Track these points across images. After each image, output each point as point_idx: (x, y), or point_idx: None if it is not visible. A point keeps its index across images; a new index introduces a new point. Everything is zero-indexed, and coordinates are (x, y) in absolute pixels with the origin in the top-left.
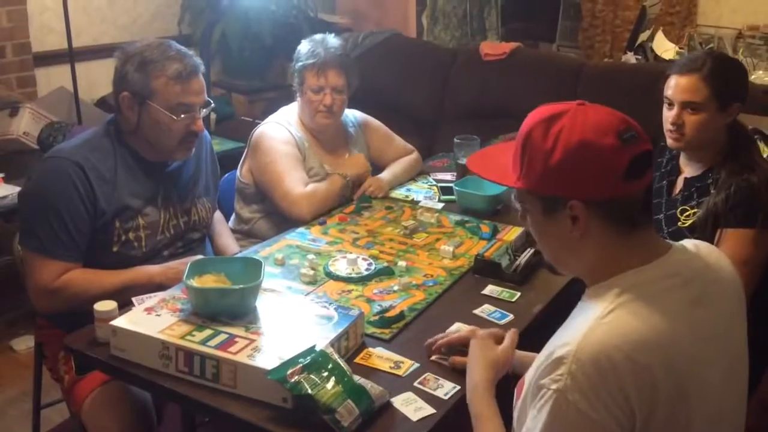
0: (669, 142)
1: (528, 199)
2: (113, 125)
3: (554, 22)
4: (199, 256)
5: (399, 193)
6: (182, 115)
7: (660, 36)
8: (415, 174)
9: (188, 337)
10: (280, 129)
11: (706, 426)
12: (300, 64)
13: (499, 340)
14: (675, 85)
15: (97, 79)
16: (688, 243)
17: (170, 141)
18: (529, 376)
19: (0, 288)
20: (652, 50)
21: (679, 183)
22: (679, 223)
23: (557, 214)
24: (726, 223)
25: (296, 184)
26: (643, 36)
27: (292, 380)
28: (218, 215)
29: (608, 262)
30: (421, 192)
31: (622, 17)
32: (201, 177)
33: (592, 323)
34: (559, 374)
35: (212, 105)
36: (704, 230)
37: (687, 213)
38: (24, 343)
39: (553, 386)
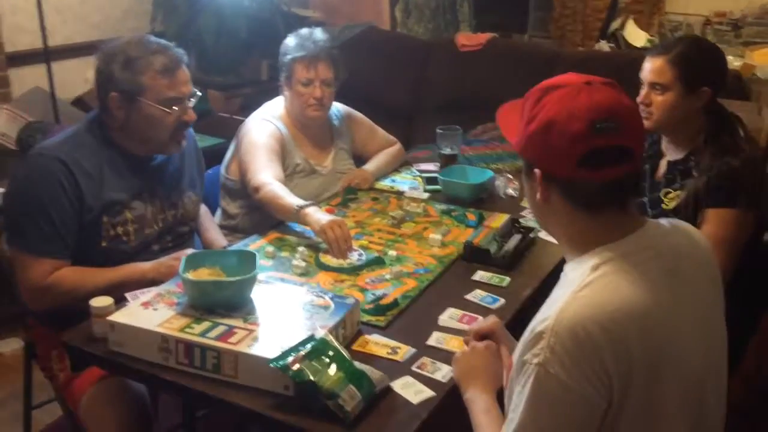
0: None
1: (521, 158)
2: (96, 122)
3: (525, 13)
4: (190, 250)
5: (383, 184)
6: (174, 107)
7: (631, 24)
8: (399, 165)
9: (187, 330)
10: (266, 124)
11: (684, 392)
12: (289, 57)
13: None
14: (645, 67)
15: (71, 78)
16: (664, 220)
17: (163, 134)
18: (515, 355)
19: None
20: (624, 38)
21: (662, 166)
22: (663, 205)
23: (530, 177)
24: (707, 203)
25: (263, 170)
26: (615, 24)
27: (294, 368)
28: (204, 209)
29: (579, 237)
30: (406, 183)
31: (592, 6)
32: (186, 171)
33: (568, 297)
34: (539, 348)
35: (199, 93)
36: (687, 212)
37: (670, 195)
38: (9, 346)
39: (535, 360)
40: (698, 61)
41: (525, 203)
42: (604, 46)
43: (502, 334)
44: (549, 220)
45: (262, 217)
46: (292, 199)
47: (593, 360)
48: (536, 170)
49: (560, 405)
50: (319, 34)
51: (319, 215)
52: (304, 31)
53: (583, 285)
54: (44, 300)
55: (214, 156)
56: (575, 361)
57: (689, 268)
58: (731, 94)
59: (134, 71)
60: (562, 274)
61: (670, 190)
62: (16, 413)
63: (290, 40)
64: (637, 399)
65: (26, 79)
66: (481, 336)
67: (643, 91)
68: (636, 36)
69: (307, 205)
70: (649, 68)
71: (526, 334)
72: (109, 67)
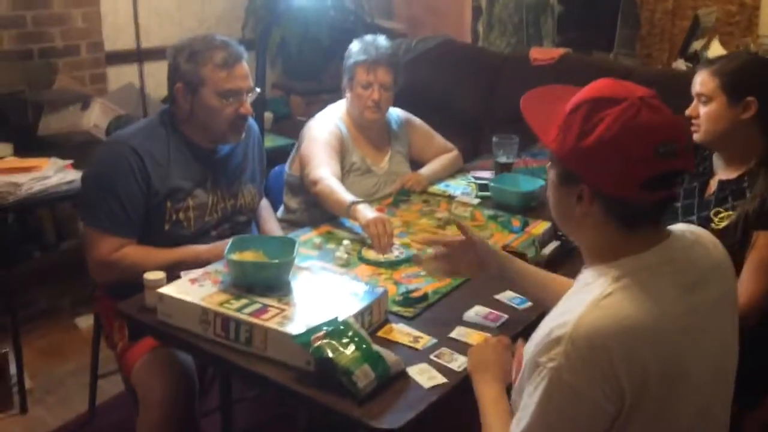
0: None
1: (553, 162)
2: (167, 115)
3: (611, 31)
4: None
5: (437, 188)
6: (230, 99)
7: (715, 44)
8: (455, 171)
9: (226, 305)
10: (327, 122)
11: (696, 407)
12: (351, 60)
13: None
14: (694, 81)
15: (163, 79)
16: (688, 232)
17: (222, 125)
18: (528, 351)
19: (68, 269)
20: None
21: (712, 185)
22: (713, 225)
23: (568, 188)
24: (757, 226)
25: (322, 166)
26: (698, 44)
27: (316, 344)
28: (265, 202)
29: (606, 248)
30: (459, 188)
31: (680, 26)
32: (248, 165)
33: (589, 305)
34: (555, 353)
35: (258, 90)
36: (736, 233)
37: (721, 215)
38: (86, 322)
39: (550, 364)
40: (741, 70)
41: None
42: (681, 64)
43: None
44: (579, 229)
45: (320, 213)
46: (346, 195)
47: (607, 371)
48: (584, 185)
49: (570, 411)
50: (382, 40)
51: (367, 212)
52: (369, 37)
53: (603, 295)
54: (109, 273)
55: (286, 155)
56: (590, 370)
57: (709, 284)
58: None
59: (196, 63)
60: (581, 279)
61: (721, 210)
62: (86, 383)
63: (354, 45)
64: (648, 412)
65: (122, 77)
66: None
67: (692, 105)
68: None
69: (358, 202)
70: (697, 81)
71: (542, 335)
72: (176, 60)
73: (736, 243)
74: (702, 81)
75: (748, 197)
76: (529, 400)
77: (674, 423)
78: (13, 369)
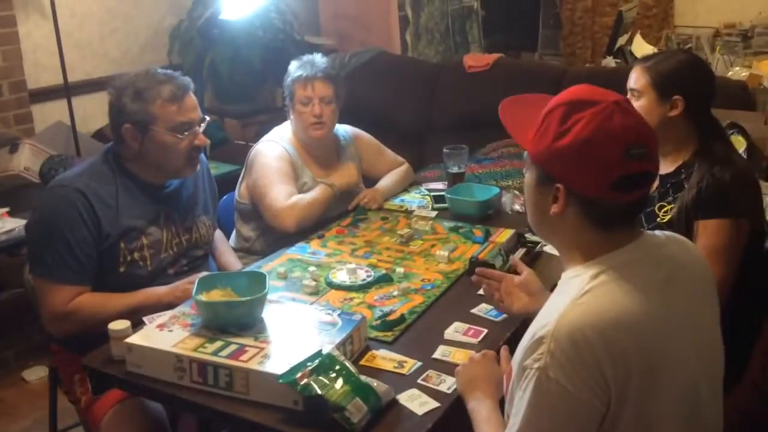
0: None
1: (530, 164)
2: (110, 153)
3: (535, 31)
4: (204, 273)
5: (393, 203)
6: (185, 133)
7: (638, 39)
8: (408, 185)
9: (200, 349)
10: (275, 146)
11: (680, 398)
12: (289, 79)
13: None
14: (630, 75)
15: (92, 113)
16: (658, 232)
17: (177, 160)
18: (515, 361)
19: (9, 320)
20: (632, 53)
21: (655, 180)
22: (658, 219)
23: (545, 189)
24: (698, 215)
25: (280, 196)
26: (622, 40)
27: (302, 382)
28: (219, 234)
29: (582, 248)
30: (415, 201)
31: (601, 23)
32: (200, 196)
33: (568, 304)
34: (539, 353)
35: (207, 119)
36: (680, 224)
37: (665, 209)
38: (35, 374)
39: (535, 365)
40: (672, 69)
41: None
42: (610, 62)
43: (535, 284)
44: (553, 231)
45: (276, 238)
46: (318, 192)
47: (591, 365)
48: (559, 185)
49: (560, 408)
50: (318, 57)
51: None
52: (306, 57)
53: (582, 293)
54: (65, 326)
55: (232, 182)
56: (574, 366)
57: (684, 277)
58: (738, 104)
59: (143, 101)
60: (560, 282)
61: (664, 204)
62: None
63: (292, 65)
64: (634, 404)
65: (48, 114)
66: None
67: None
68: (643, 51)
69: (330, 183)
70: (631, 76)
71: (526, 340)
72: (120, 101)
73: (681, 234)
74: (635, 77)
75: (686, 189)
76: (519, 404)
77: (658, 414)
78: None
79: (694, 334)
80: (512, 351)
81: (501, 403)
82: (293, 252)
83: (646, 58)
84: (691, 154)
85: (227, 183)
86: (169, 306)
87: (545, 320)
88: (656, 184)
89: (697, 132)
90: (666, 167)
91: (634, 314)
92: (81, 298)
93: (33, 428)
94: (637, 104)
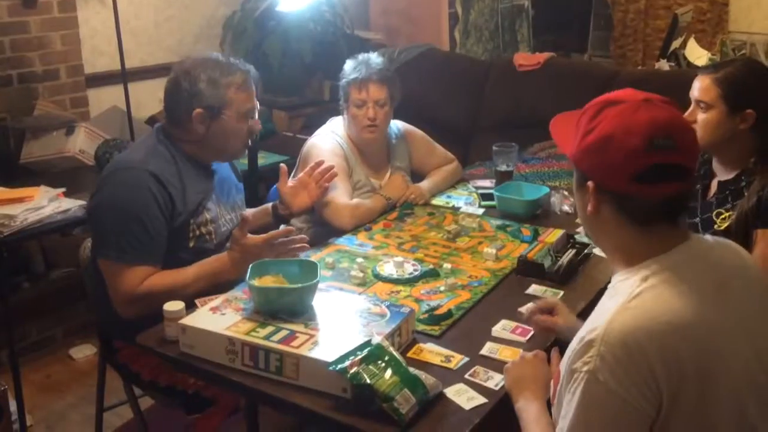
0: None
1: (574, 168)
2: (162, 134)
3: (585, 32)
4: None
5: (440, 200)
6: (250, 120)
7: (692, 43)
8: (455, 182)
9: (253, 334)
10: (331, 140)
11: (732, 404)
12: (344, 80)
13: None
14: (693, 86)
15: (145, 99)
16: (707, 235)
17: (238, 144)
18: (563, 364)
19: (59, 299)
20: (685, 57)
21: (713, 187)
22: (716, 226)
23: (583, 189)
24: (757, 224)
25: (341, 193)
26: (676, 43)
27: (352, 371)
28: None
29: (628, 251)
30: (461, 198)
31: (653, 26)
32: (232, 179)
33: (619, 308)
34: (589, 356)
35: (259, 106)
36: (738, 233)
37: (723, 216)
38: (82, 352)
39: (585, 368)
40: (744, 82)
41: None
42: (664, 65)
43: (563, 310)
44: (599, 232)
45: (326, 232)
46: (378, 201)
47: (643, 368)
48: (590, 183)
49: (609, 412)
50: (374, 57)
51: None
52: (361, 56)
53: (632, 296)
54: (137, 307)
55: (278, 173)
56: (625, 370)
57: (737, 282)
58: None
59: (220, 87)
60: (610, 286)
61: (722, 210)
62: (89, 415)
63: (347, 65)
64: (687, 408)
65: (103, 99)
66: (544, 311)
67: (690, 109)
68: (697, 55)
69: (387, 197)
70: (697, 86)
71: (575, 344)
72: (194, 86)
73: (739, 243)
74: (703, 87)
75: (746, 197)
76: (568, 407)
77: (712, 419)
78: (13, 406)
79: (751, 340)
80: (562, 352)
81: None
82: (341, 243)
83: (713, 68)
84: (753, 162)
85: (273, 173)
86: (229, 272)
87: (595, 324)
88: (714, 190)
89: (760, 141)
90: (726, 174)
91: (686, 318)
92: (152, 278)
93: (79, 405)
94: (704, 116)
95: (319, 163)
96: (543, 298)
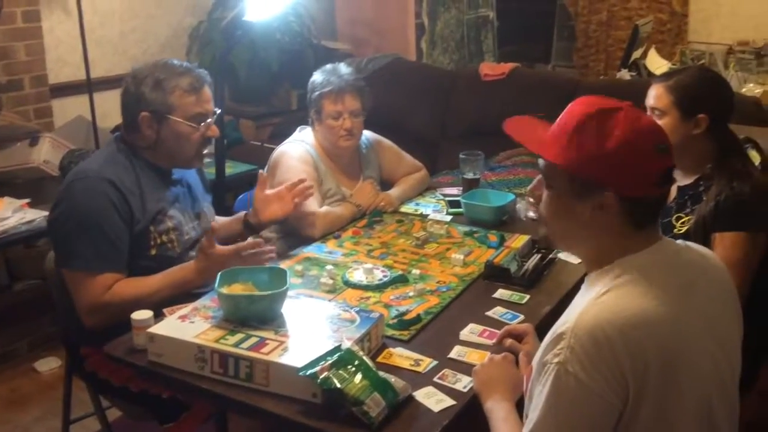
0: None
1: (559, 178)
2: (122, 143)
3: (549, 43)
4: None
5: (408, 207)
6: (200, 124)
7: (653, 53)
8: (423, 190)
9: (222, 341)
10: (300, 148)
11: (697, 402)
12: (317, 93)
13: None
14: (648, 94)
15: (110, 109)
16: (678, 239)
17: (190, 150)
18: (536, 358)
19: (23, 311)
20: (646, 67)
21: (673, 191)
22: (675, 230)
23: (586, 198)
24: (716, 228)
25: (310, 202)
26: (637, 54)
27: (322, 376)
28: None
29: (607, 252)
30: (429, 206)
31: (615, 37)
32: (199, 184)
33: (589, 302)
34: (559, 348)
35: (219, 111)
36: (697, 236)
37: (682, 220)
38: (47, 365)
39: (555, 360)
40: (695, 88)
41: (541, 225)
42: (625, 74)
43: (533, 337)
44: (586, 240)
45: (297, 241)
46: (348, 209)
47: (610, 361)
48: (608, 192)
49: (578, 402)
50: (343, 68)
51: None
52: (329, 66)
53: (603, 292)
54: (103, 316)
55: (247, 181)
56: (593, 362)
57: (704, 283)
58: (752, 120)
59: (163, 91)
60: (583, 286)
61: (682, 215)
62: (55, 428)
63: (316, 77)
64: (652, 403)
65: (67, 109)
66: (513, 336)
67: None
68: (657, 65)
69: (356, 203)
70: (651, 95)
71: (548, 338)
72: (139, 89)
73: None
74: (656, 95)
75: (704, 201)
76: (538, 399)
77: (676, 414)
78: None
79: (715, 339)
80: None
81: (517, 406)
82: (309, 251)
83: (666, 76)
84: (710, 167)
85: (241, 182)
86: (195, 282)
87: (566, 318)
88: (674, 195)
89: (716, 146)
90: (685, 179)
91: (653, 313)
92: (117, 286)
93: (44, 418)
94: (660, 123)
95: (302, 180)
96: (512, 308)
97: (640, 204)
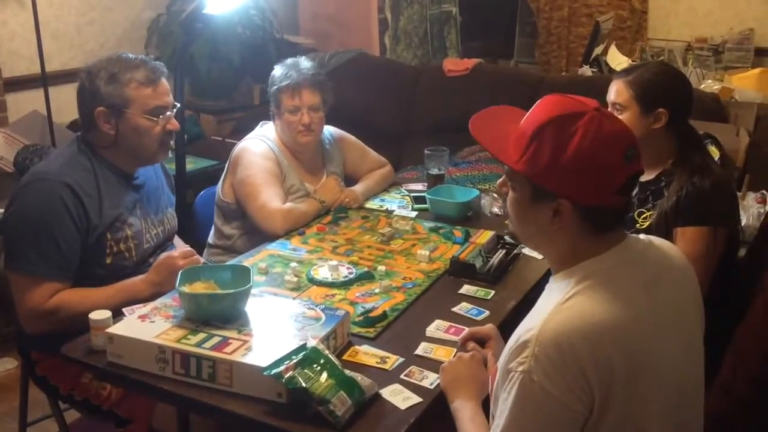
0: None
1: (519, 182)
2: (83, 143)
3: (511, 39)
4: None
5: (373, 203)
6: (159, 117)
7: (613, 50)
8: (388, 185)
9: (183, 341)
10: (262, 144)
11: (664, 402)
12: (275, 87)
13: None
14: (609, 89)
15: (66, 103)
16: (642, 235)
17: (151, 144)
18: (500, 363)
19: None
20: (607, 63)
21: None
22: (637, 225)
23: (542, 204)
24: (677, 223)
25: (273, 198)
26: (598, 50)
27: (287, 375)
28: None
29: (572, 253)
30: (395, 202)
31: (576, 33)
32: (164, 189)
33: (553, 308)
34: (524, 357)
35: (178, 105)
36: (659, 231)
37: (644, 215)
38: (3, 366)
39: (519, 368)
40: (655, 83)
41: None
42: (586, 71)
43: (497, 340)
44: (549, 242)
45: (260, 239)
46: (311, 205)
47: (575, 369)
48: (562, 199)
49: (543, 411)
50: (303, 62)
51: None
52: (290, 60)
53: (567, 297)
54: (44, 323)
55: (208, 178)
56: (558, 370)
57: (668, 279)
58: (710, 116)
59: (119, 84)
60: (548, 286)
61: (644, 210)
62: (12, 431)
63: (276, 71)
64: (618, 408)
65: (22, 104)
66: (476, 339)
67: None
68: (618, 61)
69: (321, 200)
70: (612, 90)
71: (512, 343)
72: (94, 84)
73: None
74: (617, 90)
75: (666, 196)
76: (503, 406)
77: (642, 419)
78: None
79: (680, 336)
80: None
81: (484, 404)
82: (273, 248)
83: (626, 71)
84: (671, 162)
85: (204, 178)
86: (147, 298)
87: (530, 324)
88: (636, 190)
89: (676, 142)
90: (646, 175)
91: (619, 318)
92: (62, 294)
93: (1, 420)
94: (620, 117)
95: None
96: (477, 309)
97: (599, 212)
